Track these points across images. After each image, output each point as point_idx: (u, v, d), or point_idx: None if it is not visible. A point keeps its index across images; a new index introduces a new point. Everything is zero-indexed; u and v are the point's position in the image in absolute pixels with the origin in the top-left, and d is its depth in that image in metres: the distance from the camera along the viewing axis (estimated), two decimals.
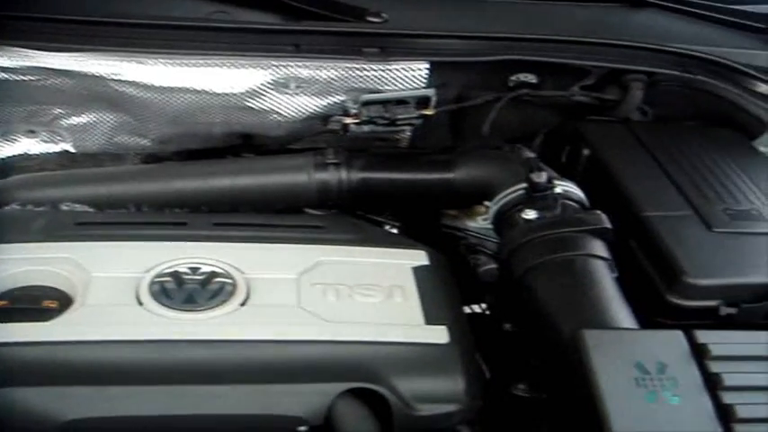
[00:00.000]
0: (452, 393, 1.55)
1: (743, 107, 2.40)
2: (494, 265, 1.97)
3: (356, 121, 2.12)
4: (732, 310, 1.78)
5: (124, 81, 2.05)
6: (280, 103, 2.14)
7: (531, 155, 2.07)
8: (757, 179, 2.12)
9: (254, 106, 2.14)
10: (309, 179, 2.03)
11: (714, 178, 2.09)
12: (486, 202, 2.01)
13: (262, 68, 2.08)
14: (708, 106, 2.42)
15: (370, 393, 1.52)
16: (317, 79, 2.11)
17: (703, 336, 1.56)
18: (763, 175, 2.15)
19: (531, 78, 2.28)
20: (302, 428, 1.50)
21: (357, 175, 2.04)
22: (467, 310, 1.90)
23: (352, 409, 1.51)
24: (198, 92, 2.09)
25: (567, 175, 2.08)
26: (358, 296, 1.66)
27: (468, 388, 1.56)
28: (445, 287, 1.76)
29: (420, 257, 1.79)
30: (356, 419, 1.51)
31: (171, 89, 2.08)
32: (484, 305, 2.01)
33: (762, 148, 2.37)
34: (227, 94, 2.10)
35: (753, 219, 1.96)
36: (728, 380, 1.49)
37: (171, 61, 2.05)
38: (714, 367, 1.51)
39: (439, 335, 1.61)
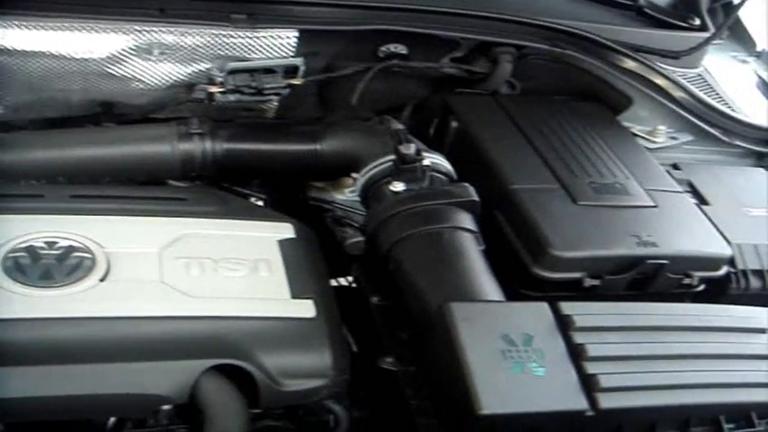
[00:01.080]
0: (319, 368, 1.54)
1: (609, 82, 2.45)
2: (361, 238, 1.96)
3: (222, 89, 2.07)
4: (596, 282, 1.82)
5: None
6: (142, 70, 2.07)
7: (400, 126, 2.05)
8: (621, 153, 2.16)
9: (115, 73, 2.07)
10: (173, 150, 1.96)
11: (580, 152, 2.12)
12: (354, 174, 1.99)
13: (123, 33, 2.01)
14: (575, 81, 2.46)
15: (236, 370, 1.49)
16: (181, 45, 2.05)
17: (568, 307, 1.59)
18: (626, 149, 2.20)
19: (400, 49, 2.27)
20: (166, 407, 1.46)
21: (222, 146, 1.98)
22: (334, 283, 1.88)
23: (217, 386, 1.48)
24: (55, 56, 2.01)
25: (435, 147, 2.08)
26: (222, 270, 1.62)
27: (335, 362, 1.55)
28: (312, 260, 1.74)
29: (286, 230, 1.76)
30: (221, 397, 1.48)
31: (25, 53, 1.99)
32: (351, 278, 2.00)
33: (627, 123, 2.42)
34: (86, 60, 2.02)
35: (616, 192, 2.01)
36: (592, 350, 1.52)
37: (25, 23, 1.96)
38: (578, 338, 1.54)
39: (305, 309, 1.59)
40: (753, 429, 1.63)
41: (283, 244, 1.72)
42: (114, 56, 2.03)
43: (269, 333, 1.55)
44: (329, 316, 1.62)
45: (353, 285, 1.97)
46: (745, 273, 2.03)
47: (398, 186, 1.87)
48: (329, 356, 1.55)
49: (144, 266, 1.59)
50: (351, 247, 1.97)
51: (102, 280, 1.54)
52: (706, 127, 2.49)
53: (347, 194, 2.06)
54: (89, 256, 1.57)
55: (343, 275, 2.03)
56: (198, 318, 1.52)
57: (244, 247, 1.68)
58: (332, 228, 2.06)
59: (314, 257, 1.76)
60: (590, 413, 1.46)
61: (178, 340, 1.49)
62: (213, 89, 2.07)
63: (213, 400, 1.47)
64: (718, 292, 2.00)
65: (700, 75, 2.72)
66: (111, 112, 2.21)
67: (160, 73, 2.09)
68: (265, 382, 1.49)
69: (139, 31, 2.01)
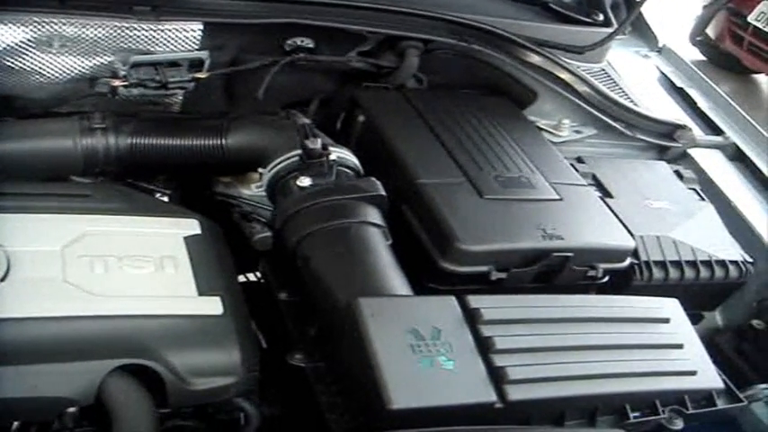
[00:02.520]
0: (228, 366, 1.53)
1: (515, 77, 2.48)
2: (268, 234, 1.95)
3: (125, 83, 2.03)
4: (502, 275, 1.84)
5: None
6: (42, 63, 2.02)
7: (306, 121, 2.05)
8: (527, 147, 2.19)
9: (13, 65, 2.01)
10: (75, 145, 1.91)
11: (486, 146, 2.14)
12: (260, 169, 1.98)
13: (22, 24, 1.96)
14: (482, 75, 2.48)
15: (143, 369, 1.47)
16: (83, 38, 2.00)
17: (475, 301, 1.61)
18: (531, 142, 2.23)
19: (307, 43, 2.26)
20: (72, 410, 1.43)
21: (126, 141, 1.94)
22: (241, 279, 1.87)
23: (124, 386, 1.46)
24: None
25: (342, 141, 2.08)
26: (127, 268, 1.60)
27: (244, 360, 1.54)
28: (218, 256, 1.72)
29: (192, 226, 1.75)
30: (128, 397, 1.45)
31: None
32: (258, 274, 1.98)
33: (532, 117, 2.45)
34: None
35: (522, 186, 2.03)
36: (500, 343, 1.55)
37: None
38: (486, 331, 1.56)
39: (212, 306, 1.58)
40: (657, 417, 1.68)
41: (189, 240, 1.70)
42: (12, 48, 1.98)
43: (176, 331, 1.53)
44: (237, 312, 1.61)
45: (261, 281, 1.96)
46: (648, 264, 2.08)
47: (305, 181, 1.87)
48: (237, 354, 1.54)
49: (46, 265, 1.55)
50: (258, 243, 1.96)
51: (2, 280, 1.50)
52: (609, 121, 2.53)
53: (254, 189, 2.04)
54: None
55: (252, 271, 2.01)
56: (102, 317, 1.49)
57: (149, 245, 1.66)
58: (239, 223, 2.04)
59: (220, 253, 1.74)
60: (499, 405, 1.48)
61: (82, 341, 1.46)
62: (116, 83, 2.03)
63: (120, 400, 1.45)
64: (622, 283, 2.05)
65: (603, 70, 2.79)
66: (10, 106, 2.15)
67: (61, 66, 2.04)
68: (173, 381, 1.48)
69: (38, 23, 1.96)
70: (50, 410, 1.43)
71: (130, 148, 1.95)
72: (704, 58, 7.82)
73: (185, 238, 1.70)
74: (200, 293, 1.60)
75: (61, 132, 1.93)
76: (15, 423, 1.45)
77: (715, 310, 2.37)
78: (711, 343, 2.19)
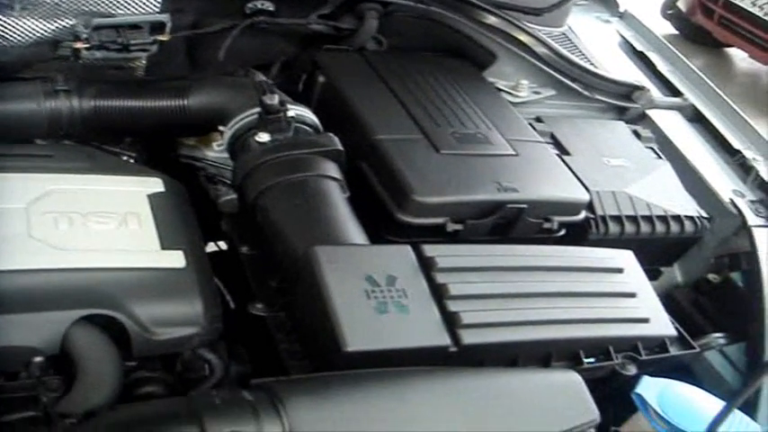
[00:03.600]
0: (190, 316, 1.57)
1: (474, 38, 2.51)
2: (234, 196, 1.97)
3: (87, 45, 2.04)
4: (458, 227, 1.88)
5: None
6: (4, 26, 2.02)
7: (264, 78, 2.08)
8: (484, 106, 2.23)
9: None
10: (39, 107, 1.93)
11: (444, 105, 2.18)
12: (221, 127, 2.00)
13: None
14: (441, 37, 2.51)
15: (108, 320, 1.50)
16: (44, 0, 2.00)
17: (430, 249, 1.65)
18: (489, 102, 2.27)
19: (267, 6, 2.28)
20: (38, 359, 1.46)
21: (89, 103, 1.96)
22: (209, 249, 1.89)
23: (88, 335, 1.49)
24: None
25: (303, 102, 2.10)
26: (92, 224, 1.63)
27: (207, 311, 1.58)
28: (181, 213, 1.76)
29: (155, 185, 1.78)
30: (93, 346, 1.49)
31: None
32: (223, 243, 2.02)
33: (491, 79, 2.49)
34: None
35: (479, 141, 2.07)
36: (454, 289, 1.59)
37: None
38: (440, 278, 1.60)
39: (175, 259, 1.62)
40: (611, 363, 1.72)
41: (152, 197, 1.74)
42: None
43: (139, 283, 1.56)
44: (199, 266, 1.65)
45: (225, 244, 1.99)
46: (604, 218, 2.11)
47: (264, 137, 1.90)
48: (200, 305, 1.58)
49: (10, 222, 1.58)
50: (224, 205, 1.98)
51: None
52: (568, 82, 2.57)
53: (216, 149, 2.07)
54: None
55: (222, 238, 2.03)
56: (66, 270, 1.53)
57: (113, 202, 1.69)
58: (205, 186, 2.07)
59: (183, 210, 1.78)
60: (453, 349, 1.52)
61: (47, 292, 1.50)
62: (79, 45, 2.03)
63: (84, 349, 1.48)
64: (578, 237, 2.08)
65: (564, 34, 2.81)
66: None
67: (23, 29, 2.04)
68: (137, 331, 1.51)
69: None
70: (17, 360, 1.45)
71: (94, 109, 1.97)
72: (676, 32, 7.82)
73: (149, 196, 1.74)
74: (164, 248, 1.63)
75: (25, 95, 1.95)
76: None
77: (673, 266, 2.40)
78: (669, 297, 2.24)
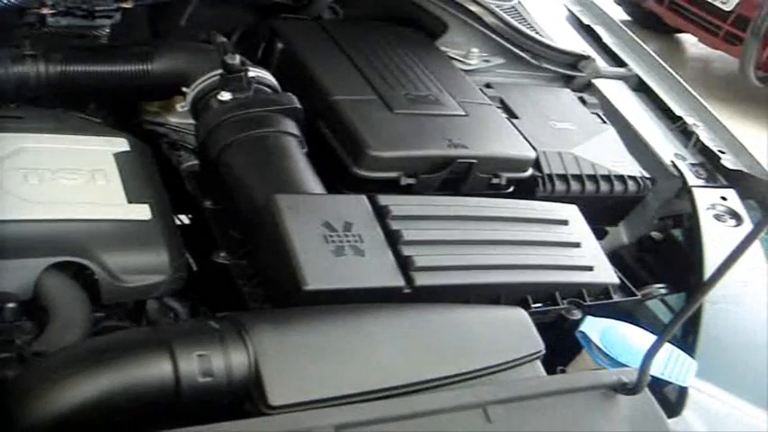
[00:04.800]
0: (157, 265, 1.64)
1: (426, 9, 2.60)
2: (196, 162, 2.06)
3: (53, 11, 2.08)
4: (411, 181, 1.97)
5: None
6: None
7: (224, 39, 2.15)
8: (436, 71, 2.32)
9: None
10: (6, 72, 1.98)
11: (397, 69, 2.27)
12: (184, 89, 2.07)
13: None
14: (395, 8, 2.61)
15: (78, 269, 1.57)
16: None
17: (385, 199, 1.74)
18: (441, 68, 2.36)
19: None
20: (11, 305, 1.52)
21: (56, 68, 2.02)
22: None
23: (59, 281, 1.56)
24: None
25: None
26: (61, 179, 1.70)
27: (172, 260, 1.66)
28: (146, 170, 1.83)
29: (121, 144, 1.85)
30: (63, 291, 1.56)
31: None
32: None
33: (444, 48, 2.57)
34: None
35: (430, 102, 2.17)
36: (407, 235, 1.68)
37: None
38: (395, 225, 1.69)
39: (141, 212, 1.69)
40: (557, 307, 1.82)
41: (119, 156, 1.81)
42: None
43: (107, 233, 1.64)
44: (164, 219, 1.73)
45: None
46: (550, 176, 2.20)
47: (225, 96, 1.97)
48: (166, 254, 1.65)
49: None
50: (187, 171, 2.05)
51: None
52: (517, 51, 2.66)
53: (179, 111, 2.13)
54: None
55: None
56: (37, 221, 1.60)
57: (81, 159, 1.76)
58: (168, 154, 2.13)
59: (148, 168, 1.85)
60: (407, 290, 1.61)
61: (19, 241, 1.56)
62: (45, 11, 2.07)
63: (56, 294, 1.55)
64: (526, 194, 2.16)
65: (513, 7, 2.89)
66: None
67: None
68: (106, 279, 1.58)
69: None
70: None
71: (61, 74, 2.02)
72: (628, 18, 7.87)
73: (115, 154, 1.81)
74: (130, 202, 1.71)
75: None
76: None
77: (619, 227, 2.50)
78: (615, 255, 2.33)
